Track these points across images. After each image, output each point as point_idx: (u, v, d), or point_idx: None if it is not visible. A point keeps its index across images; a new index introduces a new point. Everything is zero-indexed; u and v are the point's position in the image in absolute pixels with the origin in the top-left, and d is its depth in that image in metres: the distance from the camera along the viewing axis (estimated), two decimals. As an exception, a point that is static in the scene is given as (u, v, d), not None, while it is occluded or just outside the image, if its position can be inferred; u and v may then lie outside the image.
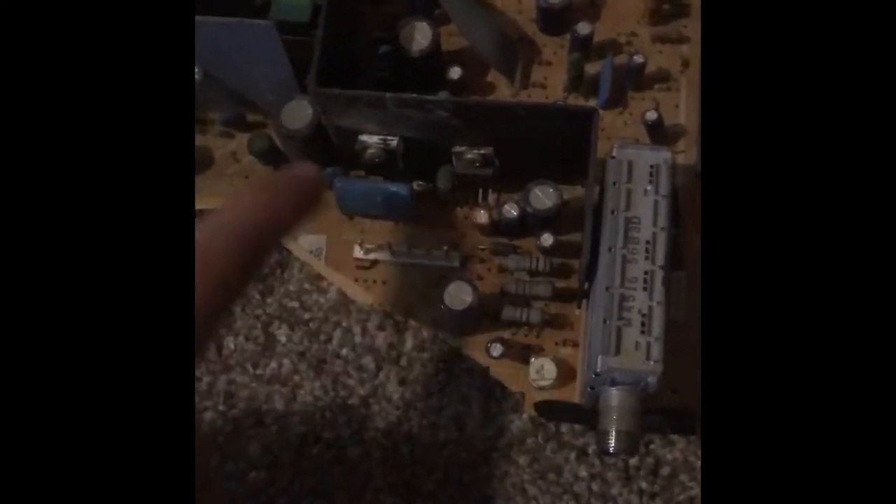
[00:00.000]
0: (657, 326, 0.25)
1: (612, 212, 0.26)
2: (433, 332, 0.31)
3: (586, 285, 0.28)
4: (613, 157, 0.26)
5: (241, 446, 0.31)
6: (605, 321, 0.25)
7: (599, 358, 0.25)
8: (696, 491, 0.30)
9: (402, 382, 0.32)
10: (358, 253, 0.31)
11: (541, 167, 0.30)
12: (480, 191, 0.31)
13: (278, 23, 0.28)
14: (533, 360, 0.29)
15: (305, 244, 0.32)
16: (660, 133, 0.31)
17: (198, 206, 0.32)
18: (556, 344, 0.30)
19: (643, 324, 0.25)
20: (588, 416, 0.28)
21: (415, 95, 0.27)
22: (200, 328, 0.22)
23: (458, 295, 0.29)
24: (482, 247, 0.31)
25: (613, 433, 0.25)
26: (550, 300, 0.30)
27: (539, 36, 0.33)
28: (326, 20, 0.28)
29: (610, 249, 0.25)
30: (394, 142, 0.29)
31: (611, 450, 0.25)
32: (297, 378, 0.32)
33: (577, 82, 0.32)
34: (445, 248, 0.31)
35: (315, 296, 0.33)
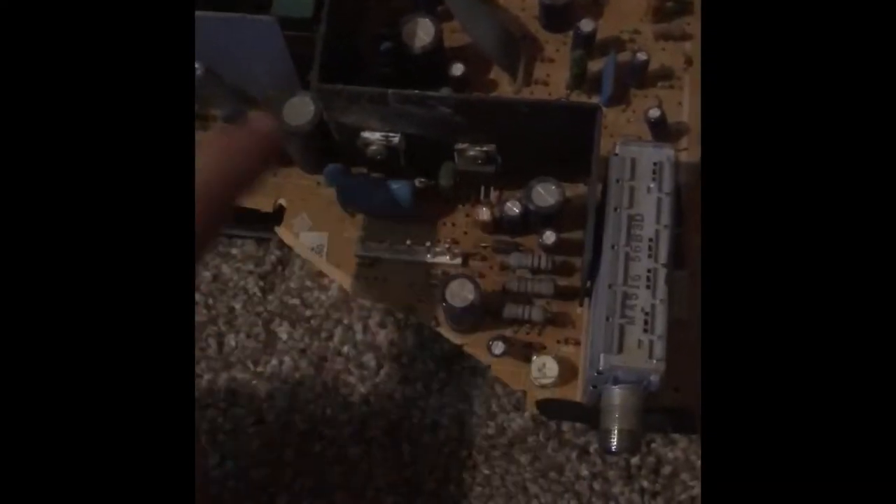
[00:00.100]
0: (660, 324, 0.25)
1: (615, 209, 0.26)
2: (434, 330, 0.31)
3: (588, 283, 0.28)
4: (616, 155, 0.26)
5: (242, 444, 0.31)
6: (607, 319, 0.25)
7: (602, 356, 0.25)
8: (698, 490, 0.30)
9: (404, 380, 0.32)
10: (359, 250, 0.31)
11: (543, 164, 0.29)
12: (482, 188, 0.31)
13: (280, 18, 0.28)
14: (535, 358, 0.29)
15: (307, 241, 0.32)
16: (663, 130, 0.31)
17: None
18: (558, 342, 0.30)
19: (646, 322, 0.25)
20: (590, 414, 0.28)
21: (417, 92, 0.27)
22: None
23: (460, 292, 0.28)
24: (484, 244, 0.31)
25: (615, 432, 0.25)
26: (552, 298, 0.30)
27: (542, 33, 0.33)
28: (329, 16, 0.28)
29: (613, 247, 0.25)
30: (396, 138, 0.29)
31: (613, 448, 0.25)
32: (297, 376, 0.32)
33: (580, 80, 0.32)
34: (447, 245, 0.31)
35: (316, 293, 0.33)
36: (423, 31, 0.31)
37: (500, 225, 0.31)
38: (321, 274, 0.33)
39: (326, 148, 0.31)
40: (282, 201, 0.32)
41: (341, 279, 0.32)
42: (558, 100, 0.32)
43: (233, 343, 0.33)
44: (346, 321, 0.33)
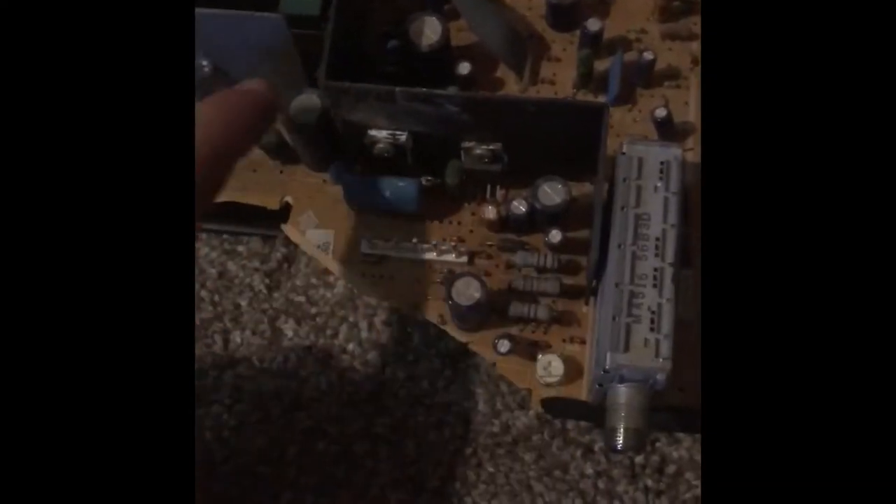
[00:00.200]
0: (666, 323, 0.25)
1: (622, 208, 0.26)
2: (440, 328, 0.31)
3: (594, 282, 0.28)
4: (623, 154, 0.26)
5: (247, 440, 0.31)
6: (614, 318, 0.25)
7: (608, 355, 0.25)
8: (703, 489, 0.30)
9: (409, 378, 0.32)
10: (365, 248, 0.31)
11: (549, 163, 0.29)
12: (489, 186, 0.31)
13: (288, 16, 0.28)
14: (540, 356, 0.29)
15: (313, 239, 0.32)
16: (669, 130, 0.31)
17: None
18: (564, 341, 0.30)
19: (652, 321, 0.25)
20: (595, 413, 0.28)
21: (425, 90, 0.27)
22: None
23: (466, 291, 0.28)
24: (490, 243, 0.31)
25: (621, 430, 0.25)
26: (558, 297, 0.30)
27: (548, 32, 0.33)
28: (336, 14, 0.28)
29: (619, 246, 0.25)
30: (402, 137, 0.29)
31: (619, 447, 0.25)
32: (303, 373, 0.32)
33: (587, 79, 0.32)
34: (453, 243, 0.31)
35: (322, 290, 0.33)
36: (430, 30, 0.31)
37: (506, 223, 0.31)
38: (327, 271, 0.33)
39: (333, 146, 0.31)
40: (288, 199, 0.32)
41: (347, 277, 0.32)
42: (565, 99, 0.32)
43: (238, 340, 0.33)
44: (351, 319, 0.33)
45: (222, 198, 0.32)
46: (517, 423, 0.31)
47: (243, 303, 0.33)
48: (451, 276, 0.29)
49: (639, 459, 0.31)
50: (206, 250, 0.34)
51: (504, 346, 0.29)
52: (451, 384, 0.32)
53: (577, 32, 0.32)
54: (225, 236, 0.34)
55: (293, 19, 0.28)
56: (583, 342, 0.30)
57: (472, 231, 0.31)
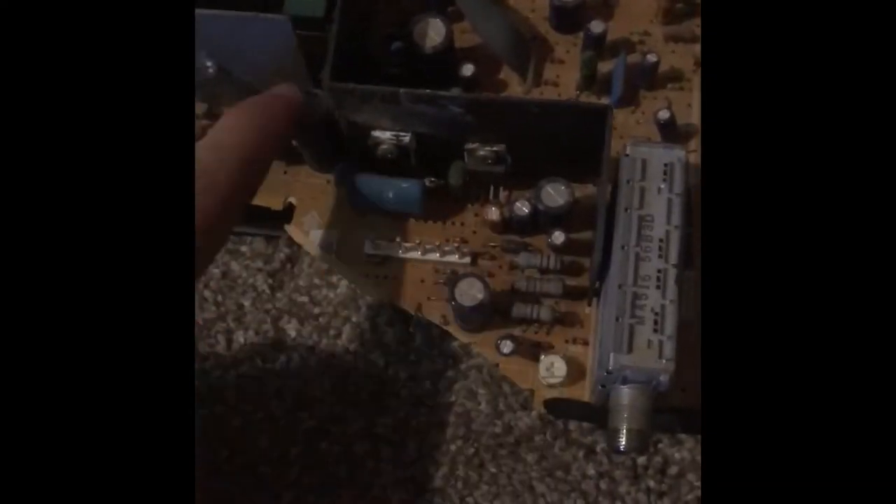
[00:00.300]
0: (670, 325, 0.25)
1: (626, 210, 0.26)
2: (443, 329, 0.31)
3: (597, 283, 0.28)
4: (627, 155, 0.26)
5: (249, 440, 0.31)
6: (617, 319, 0.25)
7: (611, 356, 0.25)
8: (704, 490, 0.30)
9: (411, 378, 0.32)
10: (368, 248, 0.31)
11: (553, 164, 0.30)
12: (492, 188, 0.31)
13: (292, 17, 0.28)
14: (543, 357, 0.29)
15: (316, 239, 0.32)
16: (672, 132, 0.31)
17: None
18: (567, 342, 0.30)
19: (656, 322, 0.25)
20: (597, 414, 0.28)
21: (429, 91, 0.27)
22: (203, 248, 0.23)
23: (470, 291, 0.29)
24: (493, 244, 0.31)
25: (624, 431, 0.25)
26: (561, 298, 0.30)
27: (552, 34, 0.33)
28: (341, 15, 0.28)
29: (623, 247, 0.25)
30: (406, 138, 0.29)
31: (621, 448, 0.25)
32: (306, 373, 0.32)
33: (590, 81, 0.32)
34: (456, 244, 0.31)
35: (325, 291, 0.33)
36: (433, 32, 0.31)
37: (509, 224, 0.31)
38: (330, 272, 0.33)
39: (337, 147, 0.31)
40: (292, 199, 0.32)
41: (350, 277, 0.32)
42: (568, 100, 0.32)
43: (242, 340, 0.33)
44: (354, 319, 0.33)
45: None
46: (519, 424, 0.31)
47: (246, 303, 0.33)
48: (454, 277, 0.29)
49: (641, 460, 0.31)
50: (210, 250, 0.34)
51: (507, 346, 0.29)
52: (454, 385, 0.32)
53: (581, 34, 0.32)
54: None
55: (298, 21, 0.28)
56: (585, 343, 0.30)
57: (475, 232, 0.31)
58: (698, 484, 0.30)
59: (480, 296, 0.29)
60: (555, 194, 0.29)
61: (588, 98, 0.33)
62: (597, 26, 0.31)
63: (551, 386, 0.29)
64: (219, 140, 0.25)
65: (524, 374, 0.30)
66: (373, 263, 0.31)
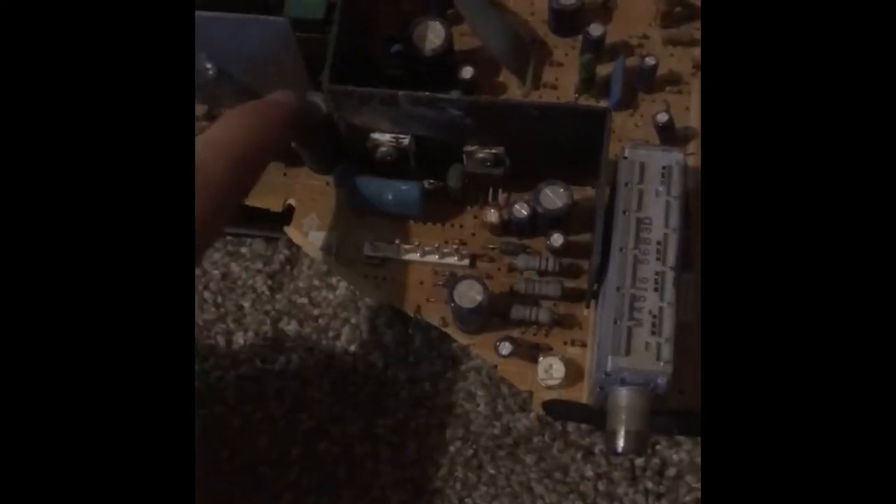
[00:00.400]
0: (668, 327, 0.25)
1: (624, 212, 0.26)
2: (442, 330, 0.31)
3: (595, 286, 0.29)
4: (626, 158, 0.27)
5: (249, 441, 0.32)
6: (615, 321, 0.25)
7: (610, 358, 0.25)
8: (702, 492, 0.30)
9: (410, 380, 0.32)
10: (368, 250, 0.31)
11: (552, 167, 0.30)
12: (491, 190, 0.31)
13: (292, 20, 0.28)
14: (541, 359, 0.29)
15: (316, 241, 0.32)
16: (670, 135, 0.32)
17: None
18: (565, 343, 0.30)
19: (654, 324, 0.25)
20: (595, 415, 0.28)
21: (428, 94, 0.28)
22: (199, 244, 0.23)
23: (469, 293, 0.29)
24: (492, 246, 0.31)
25: (622, 433, 0.25)
26: (559, 300, 0.30)
27: (551, 37, 0.34)
28: (340, 18, 0.28)
29: (621, 250, 0.26)
30: (405, 140, 0.30)
31: (619, 450, 0.26)
32: (305, 374, 0.32)
33: (589, 84, 0.32)
34: (455, 246, 0.31)
35: (324, 292, 0.33)
36: (433, 34, 0.31)
37: (508, 227, 0.31)
38: (329, 273, 0.33)
39: (336, 149, 0.31)
40: (291, 201, 0.32)
41: (349, 279, 0.32)
42: (567, 103, 0.32)
43: (241, 341, 0.33)
44: (353, 320, 0.33)
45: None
46: (518, 426, 0.31)
47: (246, 304, 0.33)
48: (453, 279, 0.29)
49: (639, 462, 0.31)
50: (209, 251, 0.34)
51: (505, 348, 0.29)
52: (453, 386, 0.32)
53: (580, 37, 0.33)
54: (228, 238, 0.34)
55: (297, 23, 0.28)
56: (584, 345, 0.30)
57: (474, 234, 0.32)
58: (697, 485, 0.31)
59: (479, 297, 0.29)
60: (553, 197, 0.29)
61: (587, 101, 0.33)
62: (595, 29, 0.32)
63: (550, 387, 0.30)
64: (214, 137, 0.25)
65: (523, 376, 0.30)
66: (372, 265, 0.31)
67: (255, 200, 0.32)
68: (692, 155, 0.32)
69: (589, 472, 0.31)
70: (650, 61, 0.32)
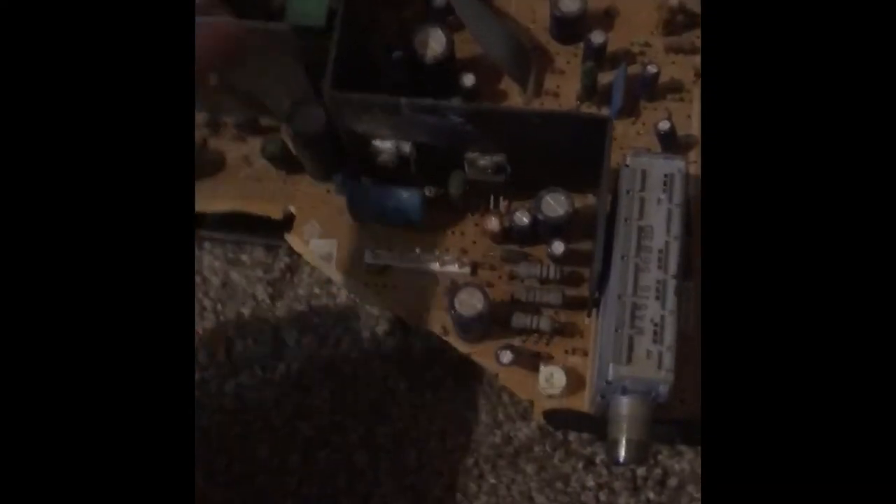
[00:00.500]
0: (669, 335, 0.25)
1: (626, 220, 0.26)
2: (442, 339, 0.31)
3: (597, 294, 0.28)
4: (627, 166, 0.26)
5: (249, 449, 0.31)
6: (617, 329, 0.25)
7: (611, 366, 0.25)
8: (704, 502, 0.30)
9: (411, 388, 0.32)
10: (368, 258, 0.31)
11: (553, 175, 0.30)
12: (492, 198, 0.31)
13: (294, 27, 0.28)
14: (542, 367, 0.29)
15: (316, 249, 0.32)
16: (672, 143, 0.32)
17: (209, 209, 0.32)
18: (566, 352, 0.30)
19: (655, 333, 0.25)
20: (596, 424, 0.28)
21: (429, 100, 0.28)
22: None
23: (469, 301, 0.29)
24: (493, 254, 0.31)
25: (623, 442, 0.25)
26: (560, 308, 0.30)
27: (552, 44, 0.33)
28: (342, 25, 0.28)
29: (623, 258, 0.25)
30: (407, 147, 0.29)
31: (621, 459, 0.25)
32: (305, 382, 0.32)
33: (590, 91, 0.32)
34: (456, 254, 0.31)
35: (325, 300, 0.33)
36: (434, 42, 0.31)
37: (509, 235, 0.31)
38: (330, 281, 0.33)
39: (337, 156, 0.31)
40: (291, 209, 0.32)
41: (350, 286, 0.32)
42: (569, 111, 0.32)
43: (241, 349, 0.33)
44: (353, 328, 0.33)
45: (226, 207, 0.32)
46: (519, 435, 0.31)
47: (246, 312, 0.33)
48: (453, 287, 0.29)
49: (640, 472, 0.31)
50: (210, 259, 0.34)
51: (506, 356, 0.29)
52: (453, 394, 0.32)
53: (581, 45, 0.33)
54: (228, 245, 0.34)
55: (299, 30, 0.28)
56: (585, 354, 0.30)
57: (475, 242, 0.31)
58: (698, 496, 0.30)
59: (480, 306, 0.29)
60: (555, 204, 0.29)
61: (588, 109, 0.33)
62: (597, 37, 0.32)
63: (551, 396, 0.29)
64: None
65: (524, 385, 0.30)
66: (372, 273, 0.31)
67: (255, 208, 0.32)
68: (694, 163, 0.32)
69: (590, 482, 0.31)
70: (652, 69, 0.31)
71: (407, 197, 0.31)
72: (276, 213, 0.32)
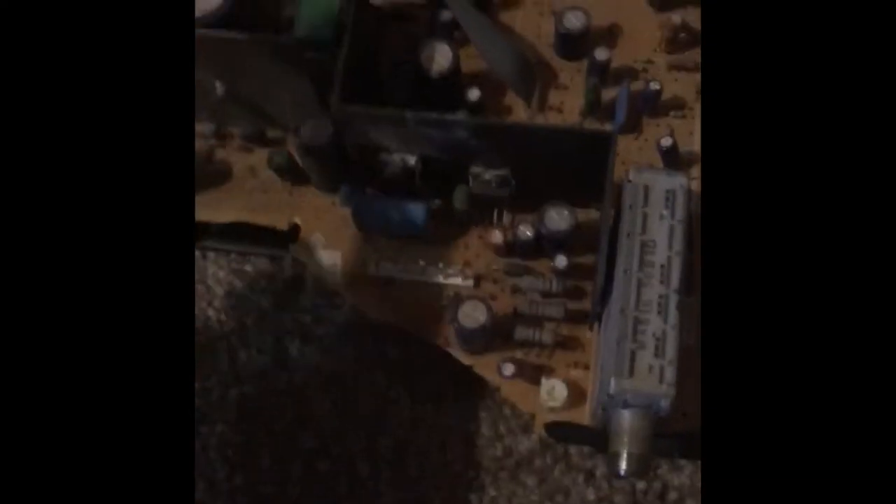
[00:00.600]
0: (671, 350, 0.25)
1: (628, 235, 0.26)
2: (445, 351, 0.31)
3: (599, 308, 0.29)
4: (630, 182, 0.27)
5: (251, 459, 0.32)
6: (618, 343, 0.25)
7: (613, 380, 0.25)
8: (704, 516, 0.30)
9: (413, 399, 0.32)
10: (372, 270, 0.32)
11: (556, 189, 0.30)
12: (496, 211, 0.31)
13: (302, 39, 0.28)
14: (544, 380, 0.29)
15: (320, 260, 0.32)
16: (674, 159, 0.32)
17: (214, 219, 0.32)
18: (568, 365, 0.30)
19: (657, 347, 0.25)
20: (597, 438, 0.28)
21: (436, 115, 0.28)
22: None
23: (472, 314, 0.29)
24: (496, 267, 0.31)
25: (624, 456, 0.25)
26: (563, 321, 0.30)
27: (556, 60, 0.34)
28: (350, 39, 0.28)
29: (625, 272, 0.26)
30: (412, 160, 0.30)
31: (622, 472, 0.26)
32: (307, 392, 0.32)
33: (594, 107, 0.33)
34: (460, 267, 0.31)
35: (328, 311, 0.33)
36: (440, 56, 0.31)
37: (512, 248, 0.31)
38: (334, 292, 0.33)
39: (343, 168, 0.31)
40: (297, 220, 0.32)
41: (354, 298, 0.32)
42: (573, 126, 0.32)
43: (244, 358, 0.33)
44: (357, 339, 0.33)
45: (232, 217, 0.32)
46: (520, 447, 0.31)
47: (250, 322, 0.33)
48: (456, 299, 0.30)
49: (641, 486, 0.31)
50: (214, 269, 0.34)
51: (508, 369, 0.30)
52: (455, 407, 0.32)
53: (585, 61, 0.33)
54: (233, 256, 0.34)
55: (307, 43, 0.28)
56: (586, 367, 0.30)
57: (478, 255, 0.32)
58: (697, 510, 0.31)
59: (483, 318, 0.29)
60: (558, 218, 0.30)
61: (591, 124, 0.33)
62: (601, 54, 0.32)
63: (552, 409, 0.30)
64: None
65: (525, 398, 0.30)
66: (377, 284, 0.32)
67: (260, 218, 0.32)
68: (696, 179, 0.32)
69: (591, 496, 0.31)
70: (654, 86, 0.32)
71: (412, 209, 0.31)
72: (281, 224, 0.32)
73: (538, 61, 0.34)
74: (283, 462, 0.31)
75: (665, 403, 0.25)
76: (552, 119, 0.33)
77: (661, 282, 0.26)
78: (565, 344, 0.30)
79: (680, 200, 0.26)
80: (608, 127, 0.33)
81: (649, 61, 0.34)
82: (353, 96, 0.28)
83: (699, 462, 0.31)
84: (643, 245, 0.26)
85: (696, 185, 0.32)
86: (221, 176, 0.33)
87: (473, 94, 0.32)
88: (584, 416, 0.30)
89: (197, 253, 0.34)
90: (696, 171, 0.32)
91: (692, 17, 0.33)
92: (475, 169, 0.30)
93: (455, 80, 0.32)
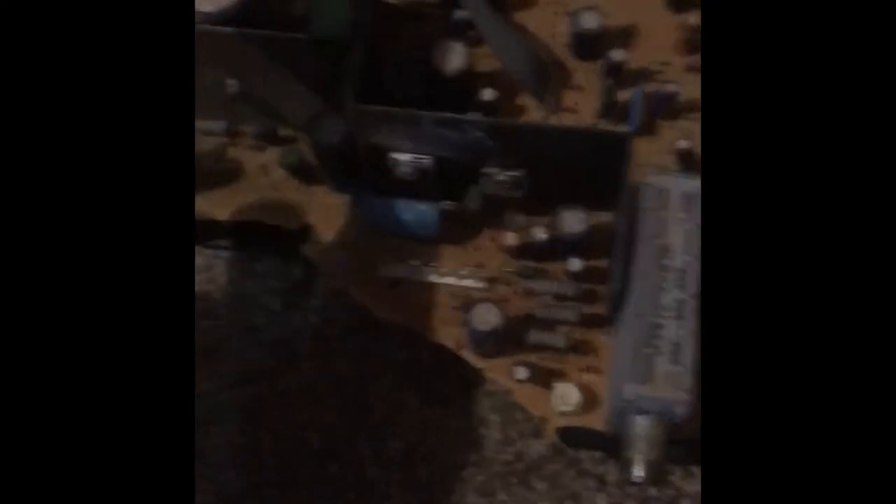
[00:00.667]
0: (688, 356, 0.25)
1: (645, 239, 0.26)
2: (456, 353, 0.31)
3: (614, 312, 0.28)
4: (647, 184, 0.26)
5: (258, 461, 0.31)
6: (635, 348, 0.25)
7: (628, 385, 0.25)
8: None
9: (423, 402, 0.32)
10: (383, 270, 0.31)
11: (571, 191, 0.29)
12: (509, 213, 0.31)
13: (317, 38, 0.28)
14: (556, 384, 0.29)
15: (331, 260, 0.32)
16: (690, 162, 0.31)
17: (224, 217, 0.32)
18: (581, 370, 0.30)
19: (674, 353, 0.25)
20: (609, 443, 0.28)
21: (451, 115, 0.28)
22: None
23: (484, 316, 0.28)
24: (509, 269, 0.31)
25: (639, 461, 0.25)
26: (576, 325, 0.30)
27: (571, 61, 0.33)
28: (364, 38, 0.28)
29: (642, 276, 0.25)
30: (425, 161, 0.29)
31: (635, 479, 0.25)
32: (316, 394, 0.32)
33: (609, 108, 0.32)
34: (472, 268, 0.31)
35: (338, 312, 0.33)
36: (454, 56, 0.31)
37: (525, 250, 0.31)
38: (343, 293, 0.33)
39: (355, 167, 0.31)
40: (308, 219, 0.32)
41: (364, 299, 0.32)
42: (588, 127, 0.32)
43: (253, 359, 0.33)
44: (366, 341, 0.33)
45: (242, 216, 0.32)
46: (531, 452, 0.31)
47: (258, 322, 0.33)
48: (468, 302, 0.29)
49: (653, 492, 0.31)
50: (223, 268, 0.34)
51: (520, 373, 0.29)
52: (466, 410, 0.32)
53: (601, 62, 0.33)
54: (243, 255, 0.34)
55: (322, 42, 0.28)
56: (600, 372, 0.30)
57: (490, 257, 0.31)
58: (710, 517, 0.30)
59: (495, 321, 0.28)
60: (572, 221, 0.29)
61: (607, 125, 0.32)
62: (617, 54, 0.32)
63: (564, 414, 0.29)
64: None
65: (537, 401, 0.30)
66: (387, 285, 0.31)
67: (271, 218, 0.32)
68: (712, 182, 0.31)
69: (602, 502, 0.30)
70: (671, 87, 0.31)
71: (424, 210, 0.31)
72: (291, 224, 0.32)
73: (553, 61, 0.33)
74: (290, 465, 0.31)
75: (681, 410, 0.25)
76: (567, 120, 0.33)
77: (679, 287, 0.25)
78: (579, 348, 0.30)
79: (697, 204, 0.26)
80: (623, 128, 0.32)
81: (665, 63, 0.33)
82: (366, 95, 0.28)
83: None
84: (660, 249, 0.26)
85: (712, 189, 0.31)
86: (232, 174, 0.33)
87: (488, 94, 0.31)
88: (596, 420, 0.29)
89: (206, 252, 0.34)
90: (712, 174, 0.32)
91: (709, 18, 0.33)
92: (488, 170, 0.30)
93: (468, 79, 0.31)
